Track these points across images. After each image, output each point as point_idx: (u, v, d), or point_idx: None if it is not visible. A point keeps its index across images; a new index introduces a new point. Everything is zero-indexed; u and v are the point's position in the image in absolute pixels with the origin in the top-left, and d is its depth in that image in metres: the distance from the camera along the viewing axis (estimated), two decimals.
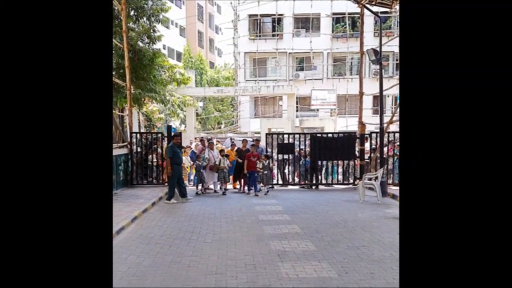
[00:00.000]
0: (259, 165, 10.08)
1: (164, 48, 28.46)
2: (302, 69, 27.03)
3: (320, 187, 11.47)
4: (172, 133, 10.67)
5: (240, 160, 10.54)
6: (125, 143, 11.34)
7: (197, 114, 26.56)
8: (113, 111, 11.63)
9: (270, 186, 10.78)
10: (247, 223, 6.79)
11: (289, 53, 25.97)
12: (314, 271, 4.36)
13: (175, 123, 22.86)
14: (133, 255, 4.98)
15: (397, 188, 9.47)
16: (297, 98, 23.19)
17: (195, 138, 15.49)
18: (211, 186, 10.85)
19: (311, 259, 4.77)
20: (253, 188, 10.28)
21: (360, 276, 4.18)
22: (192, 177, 11.92)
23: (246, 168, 10.20)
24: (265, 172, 10.19)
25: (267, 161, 10.25)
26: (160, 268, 4.48)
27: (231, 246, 5.35)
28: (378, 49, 10.52)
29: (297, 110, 23.44)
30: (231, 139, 15.45)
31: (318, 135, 11.87)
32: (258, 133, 22.29)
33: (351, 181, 11.53)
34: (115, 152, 10.30)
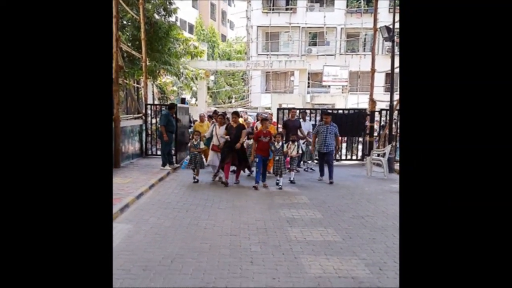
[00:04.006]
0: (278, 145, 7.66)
1: (176, 20, 28.34)
2: (314, 44, 26.81)
3: None
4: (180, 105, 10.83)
5: (228, 138, 7.88)
6: (140, 115, 11.70)
7: (208, 88, 26.72)
8: (129, 83, 11.92)
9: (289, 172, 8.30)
10: (257, 193, 7.15)
11: (302, 27, 25.73)
12: (320, 235, 4.73)
13: (186, 97, 23.13)
14: (154, 217, 5.41)
15: None
16: (308, 73, 23.16)
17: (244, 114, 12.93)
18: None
19: (318, 226, 5.14)
20: (259, 177, 7.70)
21: (363, 241, 4.55)
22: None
23: (254, 151, 7.79)
24: (277, 158, 7.65)
25: (280, 143, 7.75)
26: (180, 229, 4.89)
27: (243, 213, 5.74)
28: (391, 26, 10.52)
29: (308, 86, 23.47)
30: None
31: (329, 111, 12.06)
32: (269, 108, 22.46)
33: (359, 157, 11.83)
34: (131, 123, 10.68)
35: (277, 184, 7.66)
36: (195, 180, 8.05)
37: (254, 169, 8.25)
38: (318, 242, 4.49)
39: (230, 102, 31.91)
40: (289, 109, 11.00)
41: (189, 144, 8.47)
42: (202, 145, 8.23)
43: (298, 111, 10.44)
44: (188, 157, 8.33)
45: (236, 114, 8.24)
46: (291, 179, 8.25)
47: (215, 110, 13.61)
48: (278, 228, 4.99)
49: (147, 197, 6.65)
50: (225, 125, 8.14)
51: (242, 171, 8.39)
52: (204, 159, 8.44)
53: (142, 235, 4.58)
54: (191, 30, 33.29)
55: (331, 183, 8.27)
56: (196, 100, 24.47)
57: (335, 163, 10.40)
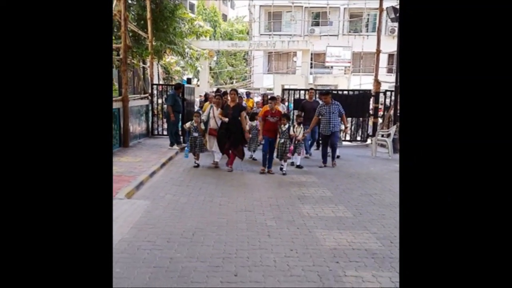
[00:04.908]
0: (284, 127, 7.17)
1: None
2: (317, 24, 26.56)
3: None
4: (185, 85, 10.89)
5: (226, 119, 7.24)
6: (146, 95, 11.77)
7: (210, 68, 26.59)
8: (136, 62, 11.95)
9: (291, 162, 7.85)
10: (266, 173, 7.31)
11: (305, 7, 25.44)
12: (331, 212, 4.94)
13: (189, 77, 23.08)
14: (169, 194, 5.59)
15: None
16: (311, 54, 23.05)
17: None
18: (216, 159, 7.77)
19: (328, 203, 5.34)
20: (268, 162, 7.30)
21: (373, 217, 4.76)
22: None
23: (262, 133, 7.34)
24: (281, 140, 7.18)
25: (287, 125, 7.24)
26: (196, 205, 5.08)
27: (255, 191, 5.93)
28: (398, 6, 10.49)
29: (311, 67, 23.39)
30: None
31: (334, 92, 12.13)
32: (271, 89, 22.46)
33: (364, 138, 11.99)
34: (138, 103, 10.78)
35: (281, 169, 7.27)
36: (196, 164, 7.57)
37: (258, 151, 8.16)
38: (330, 217, 4.69)
39: (232, 83, 31.78)
40: (305, 90, 10.93)
41: (187, 125, 7.76)
42: (202, 126, 7.60)
43: (315, 92, 9.95)
44: (188, 143, 7.71)
45: (235, 92, 7.49)
46: (298, 163, 7.88)
47: (217, 89, 13.60)
48: (290, 205, 5.19)
49: (159, 176, 6.82)
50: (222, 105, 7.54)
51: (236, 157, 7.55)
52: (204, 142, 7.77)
53: (161, 211, 4.77)
54: (192, 9, 32.83)
55: (333, 165, 7.99)
56: (198, 80, 24.40)
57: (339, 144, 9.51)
